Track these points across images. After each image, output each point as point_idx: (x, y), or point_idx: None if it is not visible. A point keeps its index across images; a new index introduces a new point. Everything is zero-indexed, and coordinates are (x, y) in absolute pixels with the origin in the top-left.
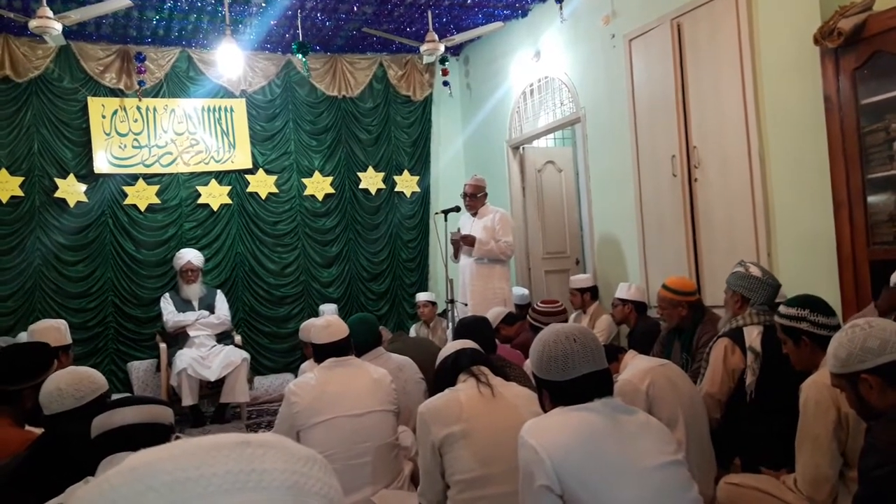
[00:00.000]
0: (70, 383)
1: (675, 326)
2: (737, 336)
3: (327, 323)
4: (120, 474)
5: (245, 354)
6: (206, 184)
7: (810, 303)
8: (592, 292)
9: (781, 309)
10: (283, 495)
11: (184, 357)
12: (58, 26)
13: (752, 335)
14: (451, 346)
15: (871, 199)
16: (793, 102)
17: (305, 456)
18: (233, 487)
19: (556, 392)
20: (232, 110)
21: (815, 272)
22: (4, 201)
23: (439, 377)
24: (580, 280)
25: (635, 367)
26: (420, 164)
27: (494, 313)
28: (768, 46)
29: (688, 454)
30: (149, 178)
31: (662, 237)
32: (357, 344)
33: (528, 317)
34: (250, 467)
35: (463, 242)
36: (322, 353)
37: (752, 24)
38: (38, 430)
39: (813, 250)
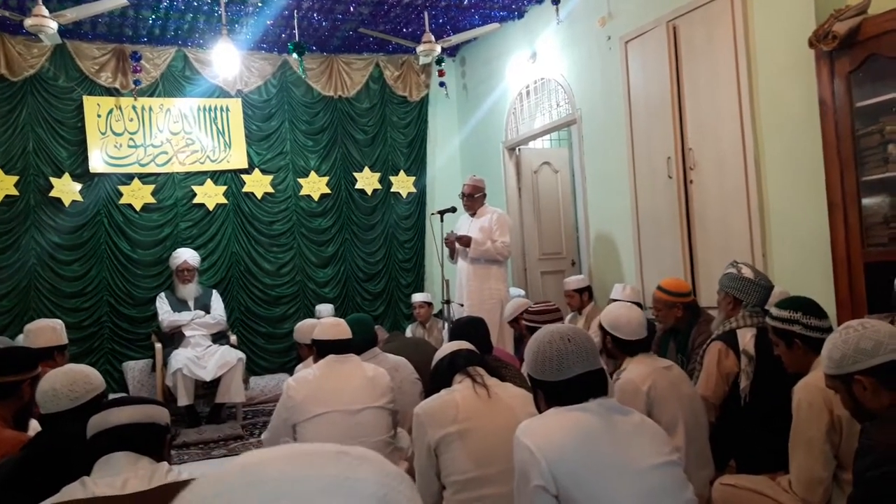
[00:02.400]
0: (65, 384)
1: (670, 327)
2: (730, 339)
3: (336, 322)
4: (231, 471)
5: (240, 354)
6: (201, 183)
7: (803, 305)
8: (589, 293)
9: (773, 311)
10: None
11: (179, 357)
12: (53, 25)
13: (746, 338)
14: (447, 348)
15: (865, 201)
16: (788, 105)
17: (396, 472)
18: (329, 490)
19: (551, 392)
20: (228, 110)
21: (810, 274)
22: None
23: (435, 378)
24: (576, 281)
25: (638, 367)
26: (416, 164)
27: (517, 304)
28: (763, 49)
29: (687, 458)
30: (144, 178)
31: (658, 238)
32: (353, 344)
33: (522, 320)
34: (345, 474)
35: (459, 243)
36: (325, 349)
37: (747, 26)
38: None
39: (808, 252)
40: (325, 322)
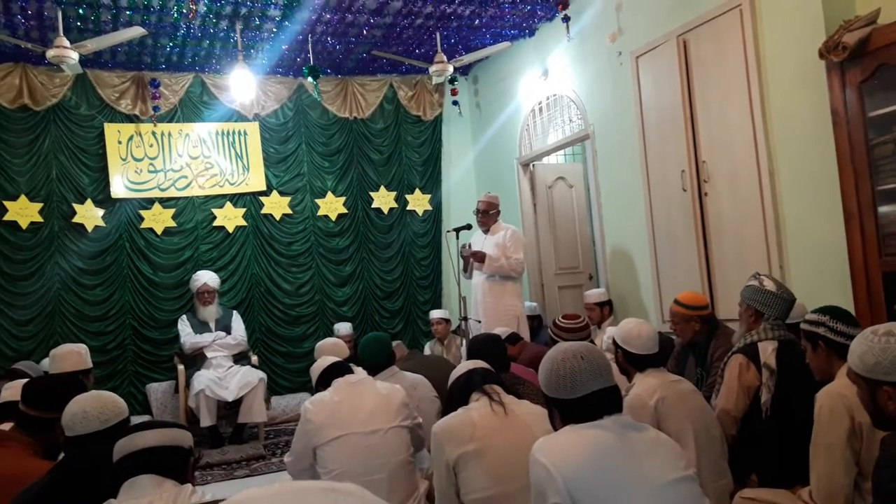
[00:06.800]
0: (95, 407)
1: (688, 341)
2: (751, 352)
3: (327, 350)
4: None
5: (262, 374)
6: (221, 206)
7: (832, 311)
8: (610, 306)
9: (807, 315)
10: None
11: (201, 378)
12: (74, 55)
13: (767, 351)
14: (463, 367)
15: (881, 209)
16: (800, 116)
17: None
18: None
19: (565, 410)
20: (245, 134)
21: (827, 284)
22: (24, 227)
23: (452, 397)
24: (597, 294)
25: (647, 381)
26: (431, 182)
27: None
28: (774, 61)
29: (699, 470)
30: (165, 202)
31: (674, 251)
32: (371, 363)
33: (549, 332)
34: None
35: (473, 259)
36: (328, 377)
37: (757, 39)
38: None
39: (825, 262)
40: (319, 361)
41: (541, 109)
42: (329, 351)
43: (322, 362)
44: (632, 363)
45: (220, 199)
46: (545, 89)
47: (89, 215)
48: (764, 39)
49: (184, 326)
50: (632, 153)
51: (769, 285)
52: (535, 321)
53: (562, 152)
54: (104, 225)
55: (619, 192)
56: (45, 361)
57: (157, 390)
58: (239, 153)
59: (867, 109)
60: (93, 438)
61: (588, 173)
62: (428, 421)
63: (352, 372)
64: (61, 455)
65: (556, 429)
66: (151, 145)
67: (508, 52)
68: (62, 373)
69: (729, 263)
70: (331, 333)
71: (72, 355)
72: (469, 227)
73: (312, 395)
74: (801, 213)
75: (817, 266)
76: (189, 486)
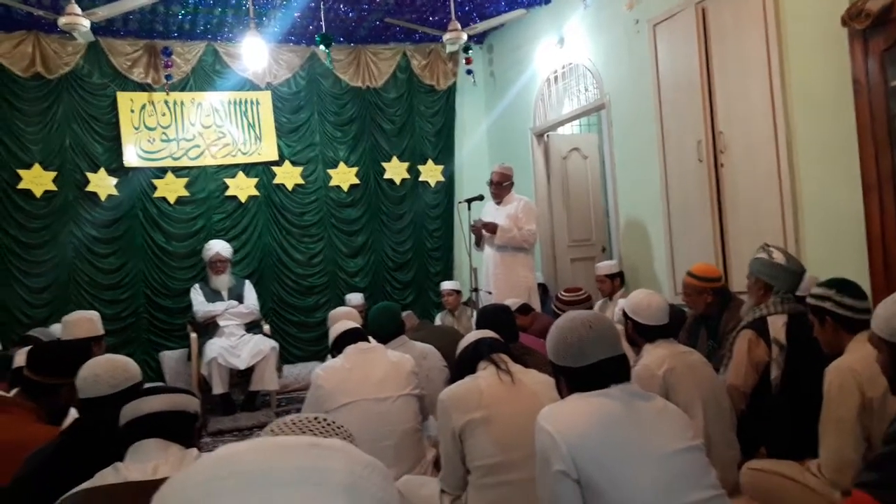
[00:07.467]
0: (107, 370)
1: (701, 313)
2: (760, 327)
3: (345, 315)
4: (210, 459)
5: (274, 343)
6: (233, 176)
7: (839, 284)
8: (621, 278)
9: (813, 289)
10: (338, 493)
11: (214, 346)
12: (86, 23)
13: (777, 325)
14: (472, 336)
15: None
16: (820, 85)
17: (367, 462)
18: (295, 480)
19: (572, 378)
20: (258, 103)
21: (843, 256)
22: (38, 196)
23: (459, 365)
24: (608, 266)
25: (655, 352)
26: (444, 153)
27: (508, 304)
28: (795, 29)
29: (708, 441)
30: (177, 171)
31: (689, 223)
32: (380, 333)
33: (552, 306)
34: (314, 465)
35: (485, 230)
36: (342, 343)
37: (777, 6)
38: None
39: (841, 234)
40: (337, 325)
41: (556, 79)
42: (342, 318)
43: (340, 326)
44: (641, 334)
45: (232, 169)
46: (561, 58)
47: (103, 184)
48: (785, 6)
49: (196, 295)
50: (647, 123)
51: (778, 257)
52: (540, 289)
53: (576, 122)
54: (117, 194)
55: (633, 162)
56: (58, 327)
57: (170, 358)
58: (251, 122)
59: (889, 79)
60: (103, 402)
61: (603, 144)
62: (437, 389)
63: (366, 339)
64: (66, 421)
65: (562, 397)
66: (164, 114)
67: (524, 19)
68: (69, 339)
69: (744, 235)
70: (342, 303)
71: (83, 322)
72: (481, 197)
73: (326, 344)
74: (818, 185)
75: (834, 238)
76: (194, 450)
